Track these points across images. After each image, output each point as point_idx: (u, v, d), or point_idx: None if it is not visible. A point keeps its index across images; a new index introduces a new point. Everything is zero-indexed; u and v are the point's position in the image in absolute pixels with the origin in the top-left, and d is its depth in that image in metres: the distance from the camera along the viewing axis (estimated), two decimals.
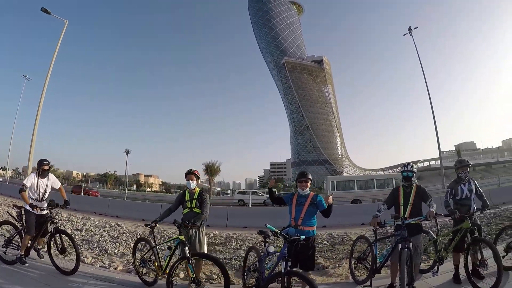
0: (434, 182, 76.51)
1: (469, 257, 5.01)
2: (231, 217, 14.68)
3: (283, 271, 3.80)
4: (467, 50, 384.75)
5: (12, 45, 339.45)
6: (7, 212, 7.47)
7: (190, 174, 5.36)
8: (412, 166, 5.15)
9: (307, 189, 4.82)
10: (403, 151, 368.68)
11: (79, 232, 10.38)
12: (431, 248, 6.06)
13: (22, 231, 5.99)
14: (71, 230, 10.35)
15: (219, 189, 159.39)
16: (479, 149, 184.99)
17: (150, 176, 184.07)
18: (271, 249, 4.48)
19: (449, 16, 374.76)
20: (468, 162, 5.59)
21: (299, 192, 4.84)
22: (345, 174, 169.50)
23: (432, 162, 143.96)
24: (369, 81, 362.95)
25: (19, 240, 6.11)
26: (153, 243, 5.39)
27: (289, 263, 3.90)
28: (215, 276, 6.16)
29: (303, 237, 4.19)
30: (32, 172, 6.98)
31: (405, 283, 4.10)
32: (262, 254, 4.74)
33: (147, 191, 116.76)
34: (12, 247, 6.06)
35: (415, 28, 37.30)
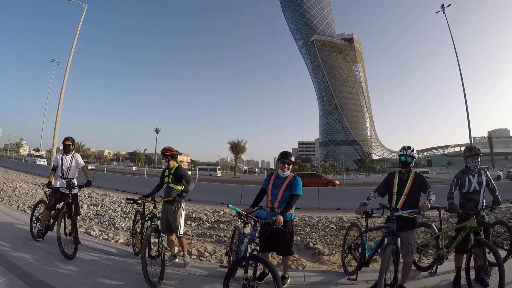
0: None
1: (472, 260, 4.47)
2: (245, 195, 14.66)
3: (247, 255, 3.67)
4: (504, 32, 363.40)
5: (42, 28, 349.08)
6: (43, 191, 7.90)
7: (162, 154, 5.45)
8: (413, 150, 4.50)
9: (288, 171, 4.51)
10: (434, 135, 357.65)
11: (95, 207, 10.63)
12: (432, 244, 5.40)
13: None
14: (88, 206, 10.64)
15: (246, 167, 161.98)
16: None
17: (181, 154, 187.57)
18: (247, 230, 4.14)
19: None
20: (479, 150, 4.84)
21: (278, 173, 4.54)
22: (373, 156, 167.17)
23: (463, 148, 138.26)
24: (402, 62, 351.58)
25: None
26: (141, 216, 5.41)
27: (257, 247, 3.81)
28: (206, 254, 6.12)
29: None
30: (57, 151, 6.90)
31: (382, 283, 3.60)
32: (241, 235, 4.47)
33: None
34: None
35: (448, 6, 35.27)
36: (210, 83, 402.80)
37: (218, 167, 75.68)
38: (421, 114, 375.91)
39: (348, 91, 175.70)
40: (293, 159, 4.55)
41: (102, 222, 8.73)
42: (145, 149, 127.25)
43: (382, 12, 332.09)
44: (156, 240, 4.67)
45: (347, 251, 5.29)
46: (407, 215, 4.06)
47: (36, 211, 6.51)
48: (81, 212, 8.10)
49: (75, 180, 6.39)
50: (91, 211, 9.99)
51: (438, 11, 36.56)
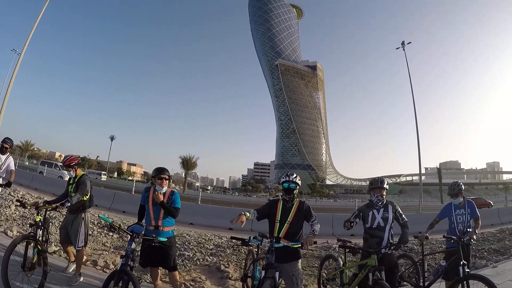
0: (415, 197, 79.09)
1: None
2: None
3: (117, 269, 3.66)
4: (459, 69, 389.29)
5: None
6: None
7: (66, 166, 5.33)
8: (296, 176, 4.29)
9: (166, 186, 4.48)
10: (387, 164, 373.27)
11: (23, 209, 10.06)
12: (337, 279, 4.99)
13: None
14: (16, 207, 10.40)
15: (198, 184, 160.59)
16: (463, 169, 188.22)
17: (134, 165, 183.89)
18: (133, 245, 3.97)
19: (443, 33, 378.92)
20: (382, 183, 4.54)
21: (156, 189, 4.42)
22: (327, 181, 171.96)
23: (415, 178, 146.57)
24: (360, 90, 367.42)
25: None
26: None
27: (131, 262, 3.74)
28: (112, 266, 6.00)
29: (164, 239, 4.11)
30: None
31: None
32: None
33: (128, 179, 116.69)
34: None
35: (408, 43, 36.82)
36: (165, 95, 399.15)
37: (104, 172, 74.63)
38: (376, 142, 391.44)
39: (307, 116, 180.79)
40: (168, 174, 4.54)
41: (24, 224, 8.57)
42: (97, 156, 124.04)
43: (348, 44, 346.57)
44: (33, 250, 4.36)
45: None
46: (291, 246, 3.84)
47: None
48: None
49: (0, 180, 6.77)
50: (17, 212, 9.64)
51: (398, 47, 37.45)
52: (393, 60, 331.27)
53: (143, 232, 4.15)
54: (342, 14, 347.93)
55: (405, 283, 5.48)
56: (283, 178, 4.32)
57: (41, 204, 4.87)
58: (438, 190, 70.30)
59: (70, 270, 5.21)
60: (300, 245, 3.78)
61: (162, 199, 4.30)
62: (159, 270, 4.68)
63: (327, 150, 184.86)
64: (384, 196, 4.50)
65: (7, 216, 8.81)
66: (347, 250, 4.55)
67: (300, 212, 4.23)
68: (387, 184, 4.58)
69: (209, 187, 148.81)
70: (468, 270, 4.20)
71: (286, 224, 4.15)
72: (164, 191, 4.43)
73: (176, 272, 4.64)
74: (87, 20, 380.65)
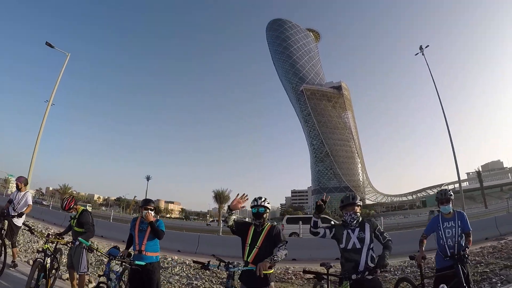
0: (459, 205, 76.77)
1: None
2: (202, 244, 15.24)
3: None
4: (486, 66, 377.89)
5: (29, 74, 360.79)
6: None
7: (67, 210, 6.01)
8: (264, 200, 4.16)
9: (151, 216, 4.96)
10: (427, 175, 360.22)
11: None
12: None
13: None
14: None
15: (234, 217, 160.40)
16: (507, 167, 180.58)
17: (172, 202, 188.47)
18: (116, 268, 4.62)
19: (466, 31, 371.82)
20: (354, 199, 4.13)
21: (143, 218, 5.00)
22: (367, 201, 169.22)
23: (457, 185, 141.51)
24: (389, 104, 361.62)
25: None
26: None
27: None
28: None
29: (142, 263, 4.51)
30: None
31: None
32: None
33: (167, 217, 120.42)
34: None
35: (426, 47, 35.09)
36: (197, 131, 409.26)
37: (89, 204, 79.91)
38: (411, 154, 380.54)
39: (339, 138, 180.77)
40: (154, 205, 5.04)
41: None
42: (135, 196, 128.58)
43: (369, 60, 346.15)
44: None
45: None
46: (248, 270, 3.76)
47: None
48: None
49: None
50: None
51: (417, 53, 35.86)
52: (418, 67, 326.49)
53: (110, 252, 4.71)
54: (358, 32, 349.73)
55: None
56: (251, 203, 4.13)
57: (52, 236, 5.57)
58: (480, 195, 68.09)
59: None
60: (253, 269, 3.56)
61: (151, 219, 4.78)
62: None
63: (363, 169, 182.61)
64: (358, 213, 4.05)
65: (33, 249, 10.00)
66: (313, 276, 3.86)
67: (270, 236, 4.04)
68: (360, 200, 4.21)
69: (247, 219, 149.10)
70: None
71: (255, 248, 4.01)
72: (151, 218, 4.91)
73: None
74: (116, 58, 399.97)
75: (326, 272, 3.93)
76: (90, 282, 6.60)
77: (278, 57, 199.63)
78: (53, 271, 5.80)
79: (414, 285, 4.68)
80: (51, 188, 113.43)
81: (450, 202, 4.69)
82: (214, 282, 8.19)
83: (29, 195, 7.89)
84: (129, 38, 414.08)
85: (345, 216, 4.04)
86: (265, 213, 4.12)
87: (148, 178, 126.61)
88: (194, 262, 4.10)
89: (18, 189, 7.83)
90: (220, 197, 77.49)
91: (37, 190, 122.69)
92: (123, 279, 5.23)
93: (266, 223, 4.16)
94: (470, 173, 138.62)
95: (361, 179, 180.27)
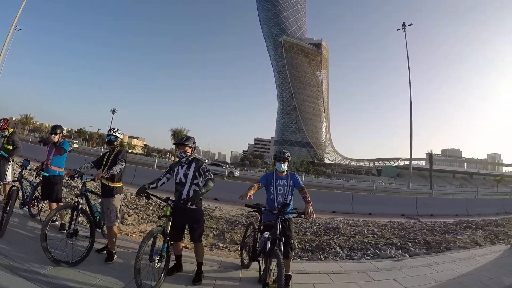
0: (406, 179, 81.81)
1: None
2: None
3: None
4: (463, 58, 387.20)
5: None
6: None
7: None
8: (117, 131, 5.47)
9: (57, 138, 6.21)
10: (387, 147, 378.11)
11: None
12: None
13: None
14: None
15: (199, 157, 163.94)
16: (464, 157, 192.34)
17: (137, 138, 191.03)
18: (28, 177, 6.55)
19: (449, 19, 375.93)
20: (186, 141, 4.75)
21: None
22: (326, 160, 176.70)
23: (414, 162, 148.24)
24: (365, 75, 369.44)
25: None
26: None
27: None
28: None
29: (46, 174, 6.04)
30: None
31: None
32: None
33: (129, 152, 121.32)
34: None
35: (409, 25, 37.81)
36: (171, 69, 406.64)
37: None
38: (376, 124, 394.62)
39: (309, 94, 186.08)
40: (59, 131, 6.20)
41: None
42: (98, 129, 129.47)
43: (353, 23, 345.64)
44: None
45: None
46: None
47: None
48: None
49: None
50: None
51: (399, 29, 39.16)
52: (400, 47, 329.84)
53: (29, 167, 6.30)
54: None
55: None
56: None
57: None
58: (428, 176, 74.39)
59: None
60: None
61: (54, 141, 6.13)
62: (52, 204, 6.07)
63: (327, 129, 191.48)
64: (188, 153, 4.70)
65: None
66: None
67: (115, 157, 5.27)
68: (194, 143, 4.79)
69: (206, 160, 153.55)
70: (279, 246, 4.10)
71: (106, 166, 5.17)
72: (56, 139, 6.15)
73: (58, 204, 5.99)
74: None
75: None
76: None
77: (262, 5, 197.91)
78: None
79: (255, 228, 5.15)
80: (14, 119, 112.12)
81: (286, 162, 4.83)
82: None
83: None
84: None
85: (178, 154, 4.68)
86: (116, 141, 5.40)
87: (113, 111, 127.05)
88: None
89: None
90: (177, 135, 79.68)
91: None
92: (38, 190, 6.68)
93: (116, 149, 5.37)
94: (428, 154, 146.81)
95: (323, 138, 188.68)
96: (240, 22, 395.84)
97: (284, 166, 4.81)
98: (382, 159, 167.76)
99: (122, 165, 5.13)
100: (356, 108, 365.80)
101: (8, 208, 5.43)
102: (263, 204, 4.68)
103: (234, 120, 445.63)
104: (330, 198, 16.20)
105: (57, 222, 6.43)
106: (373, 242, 8.38)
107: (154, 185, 4.62)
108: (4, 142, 7.35)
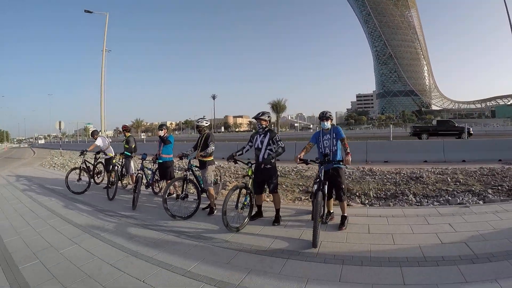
0: None
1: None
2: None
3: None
4: None
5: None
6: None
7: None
8: (200, 119, 7.17)
9: (163, 132, 8.47)
10: (498, 84, 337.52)
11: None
12: None
13: None
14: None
15: (296, 124, 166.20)
16: None
17: (241, 116, 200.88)
18: (148, 165, 8.77)
19: None
20: (263, 115, 6.03)
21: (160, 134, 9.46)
22: (433, 106, 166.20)
23: None
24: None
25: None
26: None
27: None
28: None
29: (160, 161, 8.24)
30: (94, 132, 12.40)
31: None
32: None
33: (236, 131, 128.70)
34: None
35: None
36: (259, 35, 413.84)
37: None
38: (483, 58, 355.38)
39: (402, 38, 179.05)
40: (164, 127, 8.61)
41: None
42: (203, 116, 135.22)
43: None
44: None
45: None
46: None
47: None
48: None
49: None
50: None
51: None
52: None
53: (147, 158, 8.68)
54: None
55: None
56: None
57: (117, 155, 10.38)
58: None
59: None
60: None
61: (160, 135, 8.48)
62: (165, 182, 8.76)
63: (430, 72, 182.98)
64: (264, 125, 6.06)
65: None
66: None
67: (205, 140, 6.99)
68: (269, 117, 6.10)
69: (311, 126, 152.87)
70: (323, 190, 4.92)
71: (199, 148, 7.09)
72: (162, 134, 8.46)
73: (167, 182, 8.31)
74: None
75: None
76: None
77: None
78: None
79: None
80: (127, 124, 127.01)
81: (329, 120, 5.63)
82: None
83: (98, 139, 11.35)
84: None
85: (257, 126, 6.20)
86: (201, 127, 7.11)
87: (214, 97, 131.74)
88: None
89: (94, 139, 11.70)
90: (277, 107, 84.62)
91: (114, 129, 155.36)
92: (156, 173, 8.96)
93: (204, 132, 7.10)
94: None
95: (427, 83, 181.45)
96: None
97: (327, 124, 5.59)
98: (494, 98, 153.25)
99: (213, 146, 6.89)
100: (456, 41, 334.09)
101: (136, 190, 7.79)
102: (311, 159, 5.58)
103: (333, 81, 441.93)
104: (420, 147, 16.66)
105: (174, 195, 8.46)
106: (451, 189, 8.60)
107: (240, 152, 6.12)
108: (125, 144, 10.15)
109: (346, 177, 10.04)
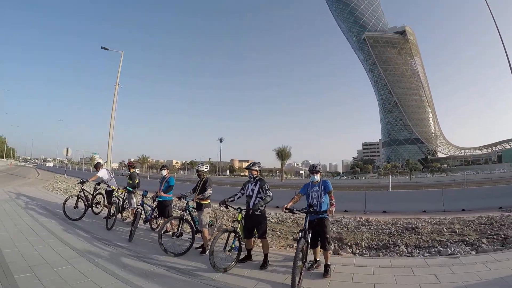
0: None
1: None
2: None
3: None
4: None
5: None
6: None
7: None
8: (200, 165, 7.82)
9: (164, 172, 9.35)
10: (504, 127, 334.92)
11: None
12: None
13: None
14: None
15: (301, 171, 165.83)
16: None
17: (246, 161, 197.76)
18: (148, 201, 9.80)
19: None
20: (253, 165, 6.69)
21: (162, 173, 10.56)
22: (439, 154, 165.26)
23: None
24: (459, 51, 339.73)
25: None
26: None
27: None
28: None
29: (160, 199, 8.86)
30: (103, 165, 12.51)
31: None
32: None
33: (241, 175, 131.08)
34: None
35: None
36: (269, 89, 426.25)
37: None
38: (488, 104, 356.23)
39: (407, 86, 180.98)
40: (166, 168, 9.48)
41: None
42: (209, 158, 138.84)
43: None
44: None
45: None
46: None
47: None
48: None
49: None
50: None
51: None
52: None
53: (147, 195, 10.24)
54: None
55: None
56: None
57: (120, 189, 10.86)
58: None
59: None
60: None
61: (164, 175, 9.29)
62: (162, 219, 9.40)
63: (435, 119, 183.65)
64: (255, 174, 6.66)
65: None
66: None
67: (203, 184, 7.55)
68: (259, 167, 6.70)
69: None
70: (306, 238, 5.41)
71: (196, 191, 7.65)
72: (164, 174, 9.35)
73: (164, 219, 8.87)
74: None
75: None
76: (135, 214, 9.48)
77: (335, 7, 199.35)
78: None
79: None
80: (132, 159, 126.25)
81: (318, 174, 6.15)
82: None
83: (100, 171, 11.60)
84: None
85: (249, 175, 6.83)
86: (200, 172, 7.69)
87: (221, 140, 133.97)
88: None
89: (97, 170, 11.94)
90: (282, 154, 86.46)
91: (120, 162, 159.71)
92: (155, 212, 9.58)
93: (203, 177, 7.68)
94: None
95: (432, 130, 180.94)
96: (320, 30, 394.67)
97: (317, 177, 6.12)
98: (499, 143, 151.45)
99: (210, 190, 7.49)
100: (460, 91, 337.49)
101: (134, 223, 8.33)
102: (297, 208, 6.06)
103: (339, 129, 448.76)
104: (419, 197, 16.92)
105: (169, 232, 8.99)
106: (444, 240, 8.64)
107: (232, 198, 6.70)
108: (128, 179, 10.64)
109: (342, 227, 11.13)
